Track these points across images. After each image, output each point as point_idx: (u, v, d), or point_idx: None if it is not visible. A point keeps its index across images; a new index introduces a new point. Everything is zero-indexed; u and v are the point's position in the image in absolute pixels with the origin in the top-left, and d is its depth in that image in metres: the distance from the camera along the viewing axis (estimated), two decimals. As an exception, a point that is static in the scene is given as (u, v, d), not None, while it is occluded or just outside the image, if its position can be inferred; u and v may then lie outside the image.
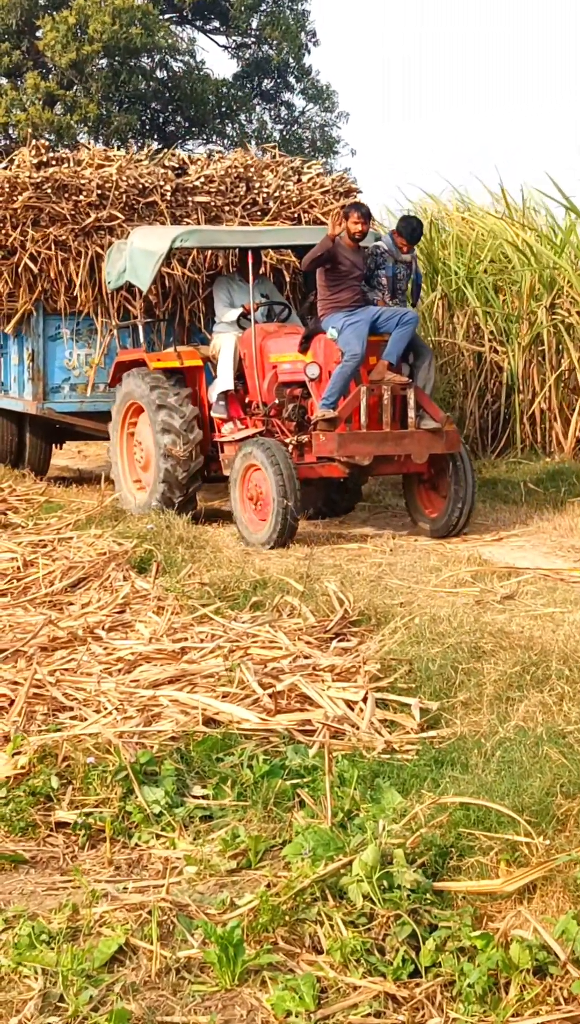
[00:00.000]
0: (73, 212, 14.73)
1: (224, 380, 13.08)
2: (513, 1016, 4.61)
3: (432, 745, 6.63)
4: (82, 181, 14.78)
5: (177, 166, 15.50)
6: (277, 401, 12.47)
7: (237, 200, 15.25)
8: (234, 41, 36.08)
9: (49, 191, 14.68)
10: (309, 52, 35.43)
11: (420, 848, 5.43)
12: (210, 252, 14.57)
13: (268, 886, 5.35)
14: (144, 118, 33.37)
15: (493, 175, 28.86)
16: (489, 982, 4.74)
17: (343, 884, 5.24)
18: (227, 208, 15.20)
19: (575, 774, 5.59)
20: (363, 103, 73.40)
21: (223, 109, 35.08)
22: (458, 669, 7.28)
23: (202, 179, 15.21)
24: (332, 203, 15.34)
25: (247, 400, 13.00)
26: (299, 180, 15.60)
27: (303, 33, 34.89)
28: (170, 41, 33.91)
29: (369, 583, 9.72)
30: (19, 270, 14.70)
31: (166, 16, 34.46)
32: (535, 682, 6.89)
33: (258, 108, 36.59)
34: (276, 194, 15.33)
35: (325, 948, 5.02)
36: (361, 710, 7.08)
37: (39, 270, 14.64)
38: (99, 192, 14.76)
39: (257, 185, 15.38)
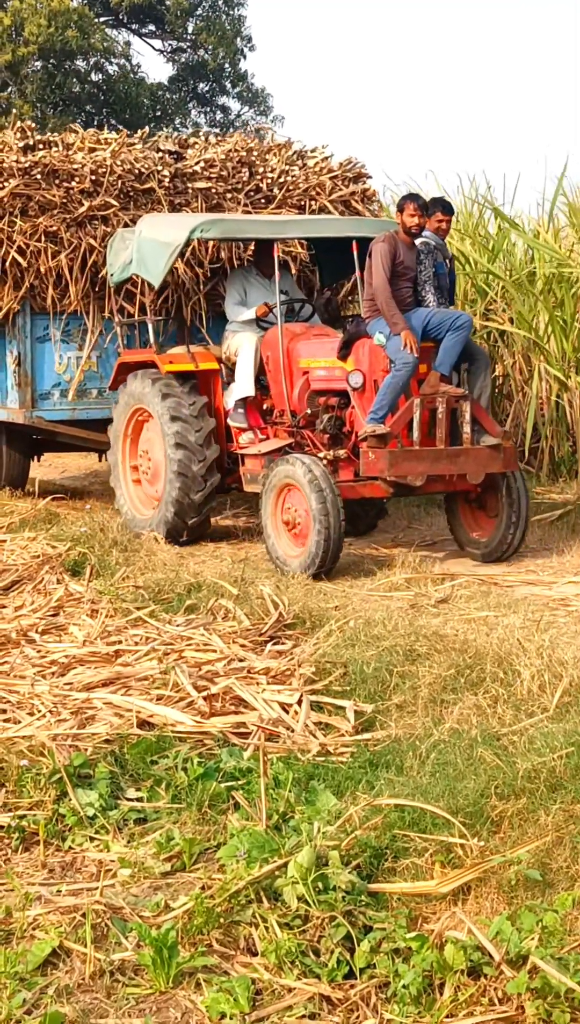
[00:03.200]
0: (65, 200, 13.35)
1: (243, 385, 11.85)
2: (447, 1017, 4.62)
3: (367, 747, 6.63)
4: (74, 166, 13.40)
5: (173, 150, 14.16)
6: (309, 411, 11.22)
7: (240, 186, 13.97)
8: (170, 45, 36.12)
9: (39, 177, 13.28)
10: (244, 57, 35.53)
11: (355, 850, 5.44)
12: (212, 244, 13.19)
13: (203, 888, 5.34)
14: (79, 120, 33.30)
15: (429, 179, 29.11)
16: (424, 983, 4.74)
17: (278, 886, 5.24)
18: (229, 195, 13.92)
19: (509, 776, 5.61)
20: (298, 107, 73.49)
21: (158, 112, 35.09)
22: (393, 672, 7.28)
23: (202, 164, 13.92)
24: (342, 188, 14.20)
25: (265, 406, 11.91)
26: (304, 165, 14.36)
27: (239, 38, 34.95)
28: (106, 44, 33.91)
29: (304, 586, 9.71)
30: (5, 264, 13.26)
31: (102, 19, 34.45)
32: (469, 685, 6.91)
33: (193, 112, 36.64)
34: (281, 180, 14.08)
35: (260, 950, 5.02)
36: (296, 713, 7.08)
37: (27, 264, 13.25)
38: (92, 178, 13.40)
39: (261, 170, 14.12)
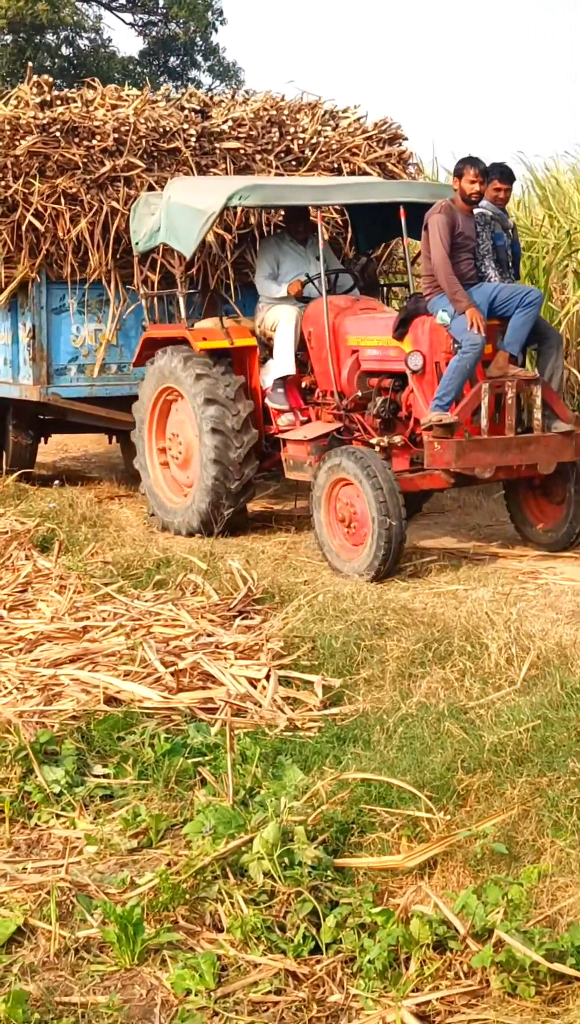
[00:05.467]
0: (85, 160, 12.35)
1: (283, 363, 10.90)
2: (413, 991, 4.61)
3: (334, 722, 6.62)
4: (96, 123, 12.41)
5: (198, 108, 13.15)
6: (360, 393, 10.31)
7: (270, 147, 13.01)
8: (141, 19, 35.88)
9: (58, 135, 12.27)
10: (216, 30, 35.35)
11: (321, 825, 5.42)
12: (241, 208, 11.85)
13: (168, 865, 5.33)
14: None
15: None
16: (390, 958, 4.73)
17: (244, 862, 5.23)
18: (259, 156, 12.96)
19: (476, 749, 5.60)
20: (270, 81, 73.12)
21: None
22: (361, 646, 7.27)
23: (230, 123, 12.96)
24: (377, 150, 13.32)
25: (304, 385, 11.00)
26: (337, 126, 13.41)
27: (210, 12, 34.77)
28: (76, 18, 33.68)
29: (273, 561, 9.69)
30: (21, 229, 12.31)
31: (72, -8, 34.19)
32: (437, 658, 6.90)
33: (164, 86, 36.45)
34: (313, 141, 13.13)
35: (225, 926, 5.00)
36: (264, 688, 7.06)
37: (44, 229, 12.32)
38: (115, 136, 12.40)
39: (292, 130, 13.15)
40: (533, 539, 10.28)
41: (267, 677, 7.14)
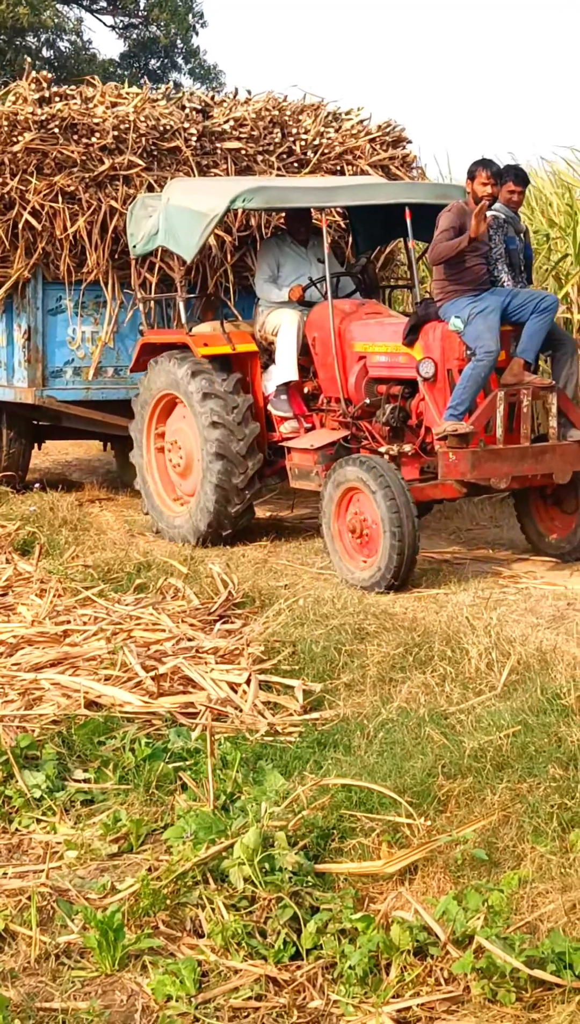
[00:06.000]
0: (84, 157, 12.19)
1: (286, 369, 10.70)
2: (394, 997, 4.60)
3: (315, 727, 6.62)
4: (95, 120, 12.25)
5: (199, 107, 12.98)
6: (368, 401, 10.12)
7: (271, 148, 12.86)
8: (121, 21, 35.83)
9: (56, 131, 12.12)
10: (197, 33, 35.33)
11: (302, 830, 5.42)
12: (242, 210, 11.72)
13: (149, 870, 5.31)
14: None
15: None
16: (370, 963, 4.72)
17: (225, 867, 5.22)
18: (260, 157, 12.80)
19: (457, 755, 5.61)
20: (251, 83, 73.13)
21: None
22: (341, 651, 7.27)
23: (231, 123, 12.81)
24: (380, 152, 13.18)
25: (306, 391, 10.83)
26: (340, 128, 13.28)
27: (190, 14, 34.76)
28: (57, 20, 33.62)
29: (254, 565, 9.70)
30: (18, 227, 12.18)
31: (53, -5, 34.15)
32: (418, 663, 6.91)
33: (164, 84, 36.40)
34: (315, 142, 12.97)
35: (206, 932, 4.99)
36: (244, 692, 7.05)
37: (41, 227, 12.14)
38: (115, 134, 12.24)
39: (294, 131, 13.00)
40: (545, 549, 10.06)
41: (248, 682, 7.14)
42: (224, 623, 8.27)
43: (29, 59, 28.37)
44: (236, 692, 7.09)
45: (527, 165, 14.36)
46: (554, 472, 9.51)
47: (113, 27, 35.98)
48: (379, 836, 5.38)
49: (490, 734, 5.69)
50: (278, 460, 10.84)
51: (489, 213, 9.68)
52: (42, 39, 34.42)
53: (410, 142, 13.52)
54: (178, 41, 34.93)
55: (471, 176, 9.59)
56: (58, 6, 34.19)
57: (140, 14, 35.15)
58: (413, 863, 5.15)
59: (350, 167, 13.01)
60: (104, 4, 35.52)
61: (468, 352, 9.35)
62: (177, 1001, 4.62)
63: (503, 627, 7.18)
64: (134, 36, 35.79)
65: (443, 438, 9.23)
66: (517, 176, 10.10)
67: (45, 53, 34.46)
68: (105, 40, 59.73)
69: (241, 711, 6.86)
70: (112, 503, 12.89)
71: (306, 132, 13.03)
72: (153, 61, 35.75)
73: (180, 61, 35.81)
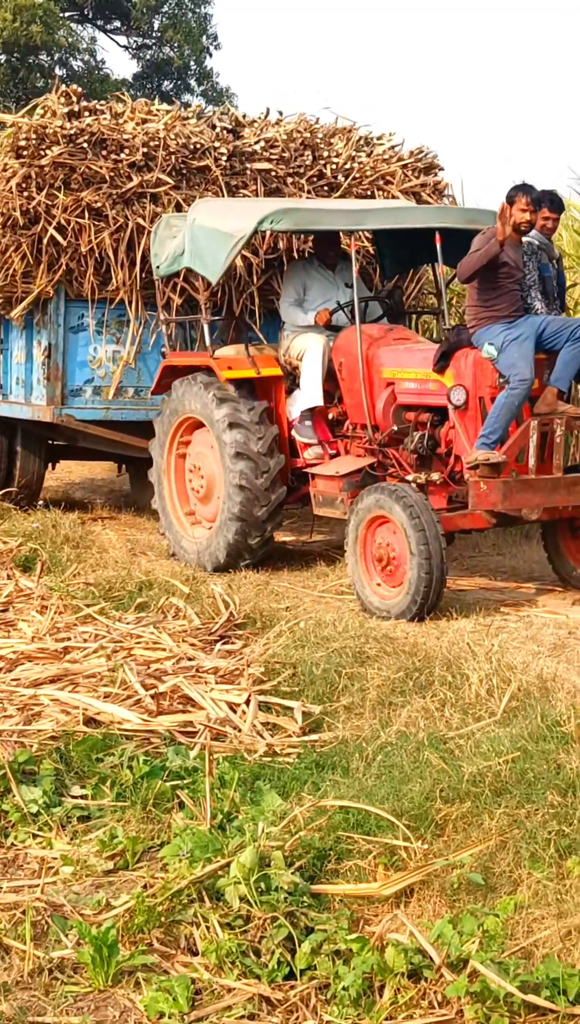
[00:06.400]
0: (112, 173, 11.99)
1: (311, 394, 10.50)
2: (387, 1019, 4.61)
3: (313, 749, 6.62)
4: (125, 136, 12.05)
5: (230, 126, 12.77)
6: (395, 428, 9.90)
7: (302, 171, 12.65)
8: (135, 42, 36.01)
9: (85, 146, 11.95)
10: (210, 55, 35.50)
11: (298, 851, 5.43)
12: (270, 232, 11.50)
13: (145, 887, 5.31)
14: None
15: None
16: (364, 985, 4.73)
17: (220, 886, 5.22)
18: (290, 180, 12.59)
19: (455, 779, 5.60)
20: (263, 107, 73.35)
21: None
22: (342, 673, 7.27)
23: (262, 143, 12.60)
24: (412, 179, 13.00)
25: (331, 416, 10.63)
26: (371, 152, 13.08)
27: (205, 36, 34.92)
28: (71, 40, 33.79)
29: (255, 587, 9.70)
30: (42, 243, 11.95)
31: (67, 14, 34.34)
32: (418, 688, 6.91)
33: (195, 103, 36.57)
34: (346, 166, 12.77)
35: (200, 950, 5.00)
36: (243, 712, 7.06)
37: (66, 243, 11.92)
38: (144, 151, 12.04)
39: (325, 154, 12.80)
40: (574, 583, 9.86)
41: (247, 702, 7.14)
42: (225, 643, 8.28)
43: (58, 74, 28.45)
44: (235, 712, 7.10)
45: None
46: None
47: (126, 47, 36.18)
48: (375, 859, 5.38)
49: (489, 759, 5.69)
50: (301, 486, 10.65)
51: (524, 240, 9.54)
52: (55, 58, 34.55)
53: (442, 169, 13.38)
54: (192, 63, 35.09)
55: (510, 201, 9.34)
56: (72, 25, 34.36)
57: (154, 35, 35.33)
58: (409, 886, 5.16)
59: (381, 192, 12.87)
60: (118, 24, 35.71)
61: (501, 380, 9.20)
62: (170, 1018, 4.63)
63: (504, 654, 7.19)
64: (147, 57, 35.97)
65: (474, 467, 9.07)
66: (552, 202, 9.94)
67: (58, 71, 34.60)
68: (118, 60, 60.07)
69: (240, 731, 6.87)
70: (115, 522, 12.91)
71: (337, 156, 12.87)
72: (166, 83, 35.91)
73: (193, 83, 35.97)
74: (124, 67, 60.02)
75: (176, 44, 34.59)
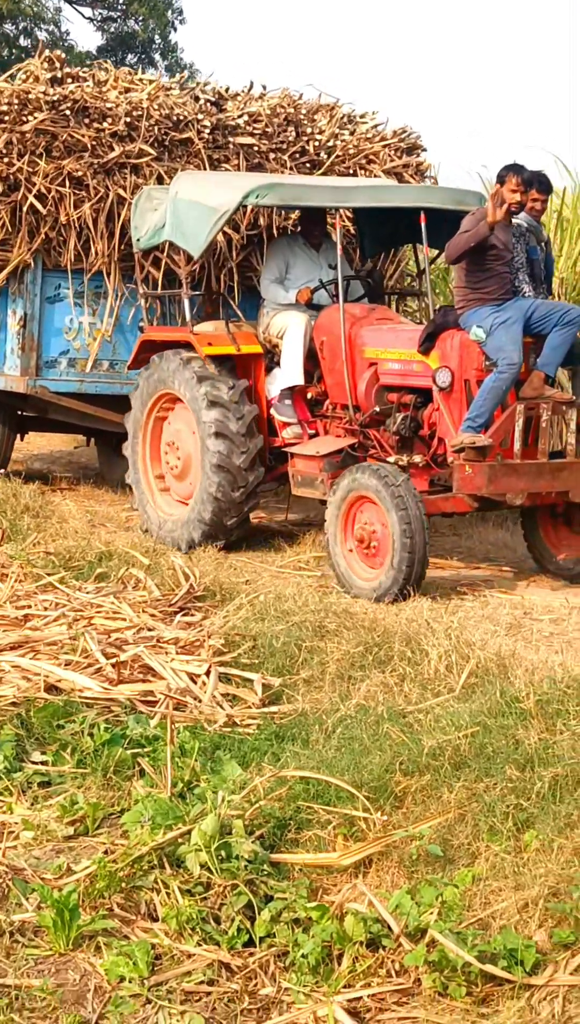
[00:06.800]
0: (95, 142, 11.73)
1: (291, 373, 10.41)
2: (345, 987, 4.66)
3: (273, 720, 6.67)
4: (108, 105, 11.81)
5: (213, 99, 12.55)
6: (378, 409, 9.82)
7: (285, 146, 12.45)
8: (100, 14, 35.79)
9: (68, 113, 11.69)
10: (175, 29, 35.32)
11: (259, 820, 5.48)
12: (251, 208, 11.30)
13: (105, 852, 5.35)
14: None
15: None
16: (322, 953, 4.79)
17: (181, 853, 5.26)
18: (273, 155, 12.40)
19: (415, 753, 5.66)
20: (227, 82, 72.99)
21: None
22: (301, 647, 7.32)
23: (245, 117, 12.39)
24: (395, 159, 12.86)
25: (310, 396, 10.53)
26: (355, 131, 12.89)
27: (170, 10, 34.77)
28: (36, 9, 33.57)
29: (214, 560, 9.73)
30: (21, 211, 11.73)
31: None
32: (377, 662, 6.96)
33: (178, 73, 36.35)
34: (330, 143, 12.61)
35: (161, 916, 5.04)
36: (204, 683, 7.09)
37: (45, 212, 11.71)
38: (127, 120, 11.80)
39: (309, 131, 12.60)
40: (554, 569, 9.83)
41: (207, 673, 7.18)
42: (184, 615, 8.30)
43: (41, 39, 28.12)
44: (195, 683, 7.13)
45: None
46: (570, 490, 9.28)
47: (91, 19, 35.95)
48: (335, 829, 5.44)
49: (449, 734, 5.75)
50: (278, 466, 10.57)
51: (513, 221, 9.51)
52: (20, 27, 34.33)
53: (425, 150, 13.24)
54: (156, 36, 34.93)
55: (501, 181, 9.33)
56: (38, -6, 34.15)
57: (119, 7, 35.14)
58: (368, 857, 5.22)
59: (364, 171, 12.75)
60: (84, -5, 35.50)
61: (488, 363, 9.15)
62: (130, 982, 4.67)
63: (463, 631, 7.25)
64: (112, 30, 35.76)
65: (460, 450, 9.03)
66: (541, 184, 9.81)
67: (22, 42, 34.40)
68: (83, 32, 59.49)
69: (200, 701, 6.91)
70: (74, 493, 12.90)
71: (321, 132, 12.73)
72: (130, 56, 35.71)
73: (157, 57, 35.79)
74: (88, 39, 59.61)
75: (141, 17, 34.43)
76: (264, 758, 6.09)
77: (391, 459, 9.40)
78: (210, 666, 7.24)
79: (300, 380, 10.40)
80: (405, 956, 4.68)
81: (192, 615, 8.32)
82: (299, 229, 11.58)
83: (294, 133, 12.61)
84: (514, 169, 9.36)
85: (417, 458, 9.45)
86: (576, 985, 4.37)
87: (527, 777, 5.32)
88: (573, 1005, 4.32)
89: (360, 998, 4.62)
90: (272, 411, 10.56)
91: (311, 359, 10.50)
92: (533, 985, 4.44)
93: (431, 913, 4.77)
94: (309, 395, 10.51)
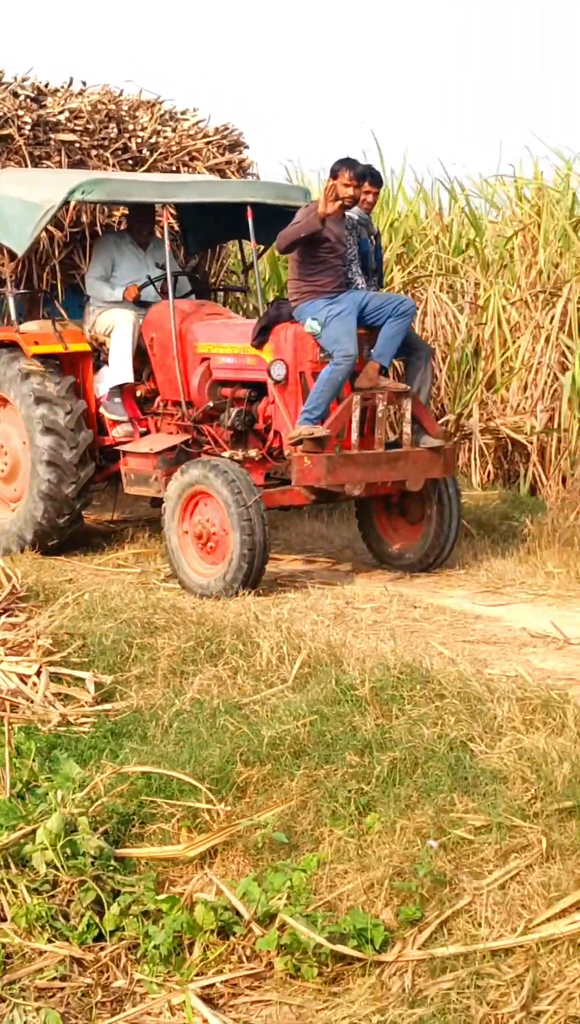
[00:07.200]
0: None
1: (120, 371, 10.31)
2: (198, 975, 4.75)
3: (108, 718, 6.70)
4: None
5: (33, 95, 12.09)
6: (211, 404, 9.77)
7: (106, 143, 12.19)
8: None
9: None
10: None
11: (102, 816, 5.52)
12: (74, 205, 10.87)
13: (-51, 856, 5.34)
14: None
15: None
16: (174, 943, 4.87)
17: (27, 852, 5.28)
18: (95, 152, 12.10)
19: (254, 743, 5.76)
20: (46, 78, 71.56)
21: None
22: (132, 644, 7.34)
23: (66, 113, 12.04)
24: (217, 156, 12.75)
25: (139, 393, 10.42)
26: (177, 128, 12.69)
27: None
28: None
29: (34, 560, 9.71)
30: None
31: None
32: (209, 656, 7.03)
33: None
34: (152, 140, 12.43)
35: (9, 915, 5.07)
36: (35, 684, 7.09)
37: None
38: None
39: (131, 127, 12.39)
40: (389, 560, 9.89)
41: (38, 673, 7.17)
42: (9, 616, 8.26)
43: None
44: (26, 683, 7.12)
45: None
46: (407, 479, 9.33)
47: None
48: (179, 822, 5.52)
49: (286, 723, 5.86)
50: (109, 465, 10.46)
51: (346, 214, 9.51)
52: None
53: (247, 147, 13.12)
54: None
55: (334, 175, 9.32)
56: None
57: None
58: (213, 847, 5.31)
59: (186, 168, 12.60)
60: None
61: (322, 355, 9.18)
62: (-18, 983, 4.69)
63: (293, 622, 7.36)
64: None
65: (298, 443, 9.01)
66: (373, 177, 9.88)
67: None
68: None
69: (32, 702, 6.91)
70: None
71: (143, 129, 12.50)
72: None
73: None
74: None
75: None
76: (103, 755, 6.13)
77: (226, 454, 9.39)
78: (40, 666, 7.24)
79: (130, 378, 10.32)
80: (256, 941, 4.78)
81: (16, 616, 8.28)
82: (125, 227, 11.53)
83: (116, 130, 12.41)
84: (347, 164, 9.39)
85: (252, 452, 9.46)
86: (424, 959, 4.52)
87: (366, 762, 5.45)
88: (422, 979, 4.47)
89: (213, 985, 4.72)
90: (101, 409, 10.44)
91: (140, 356, 10.42)
92: (383, 962, 4.58)
93: (280, 898, 4.88)
94: (138, 393, 10.42)
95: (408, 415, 9.30)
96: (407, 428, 9.31)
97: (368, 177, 9.74)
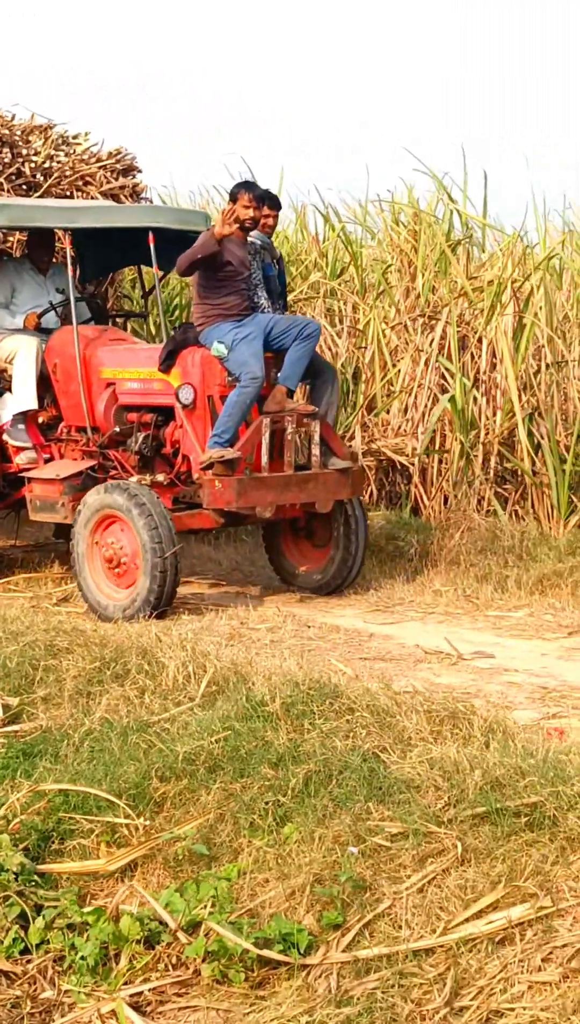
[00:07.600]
0: None
1: (24, 398, 10.28)
2: (125, 984, 4.88)
3: (17, 739, 6.78)
4: None
5: None
6: (117, 429, 9.85)
7: (0, 168, 12.19)
8: None
9: None
10: None
11: (21, 834, 5.62)
12: None
13: None
14: None
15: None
16: (100, 954, 5.00)
17: (-51, 870, 5.37)
18: None
19: (169, 759, 5.89)
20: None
21: None
22: (37, 666, 7.41)
23: None
24: (111, 181, 12.82)
25: (41, 420, 10.40)
26: (71, 152, 12.79)
27: None
28: None
29: None
30: None
31: None
32: (115, 677, 7.12)
33: None
34: (46, 165, 12.47)
35: None
36: None
37: None
38: None
39: (24, 152, 12.41)
40: (297, 583, 10.07)
41: (-58, 696, 7.23)
42: None
43: None
44: None
45: None
46: (317, 501, 9.52)
47: None
48: (98, 837, 5.64)
49: (200, 739, 5.99)
50: (11, 493, 10.46)
51: (248, 239, 9.73)
52: None
53: (140, 171, 13.25)
54: None
55: (233, 198, 9.53)
56: None
57: None
58: (133, 860, 5.44)
59: (80, 193, 12.69)
60: None
61: (230, 379, 9.34)
62: None
63: (197, 642, 7.49)
64: None
65: (209, 466, 9.16)
66: (272, 201, 10.20)
67: None
68: None
69: None
70: None
71: (36, 154, 12.54)
72: None
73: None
74: None
75: None
76: (16, 775, 6.21)
77: (133, 479, 9.46)
78: (-55, 689, 7.29)
79: (34, 404, 10.31)
80: (183, 949, 4.92)
81: None
82: (25, 253, 11.52)
83: (9, 154, 12.38)
84: (246, 186, 9.62)
85: (160, 477, 9.56)
86: (349, 961, 4.70)
87: (281, 775, 5.59)
88: (347, 980, 4.64)
89: (141, 993, 4.85)
90: (4, 436, 10.40)
91: (42, 383, 10.43)
92: (309, 965, 4.75)
93: (204, 907, 5.03)
94: (40, 419, 10.43)
95: (317, 437, 9.48)
96: (316, 450, 9.49)
97: (267, 200, 9.98)
